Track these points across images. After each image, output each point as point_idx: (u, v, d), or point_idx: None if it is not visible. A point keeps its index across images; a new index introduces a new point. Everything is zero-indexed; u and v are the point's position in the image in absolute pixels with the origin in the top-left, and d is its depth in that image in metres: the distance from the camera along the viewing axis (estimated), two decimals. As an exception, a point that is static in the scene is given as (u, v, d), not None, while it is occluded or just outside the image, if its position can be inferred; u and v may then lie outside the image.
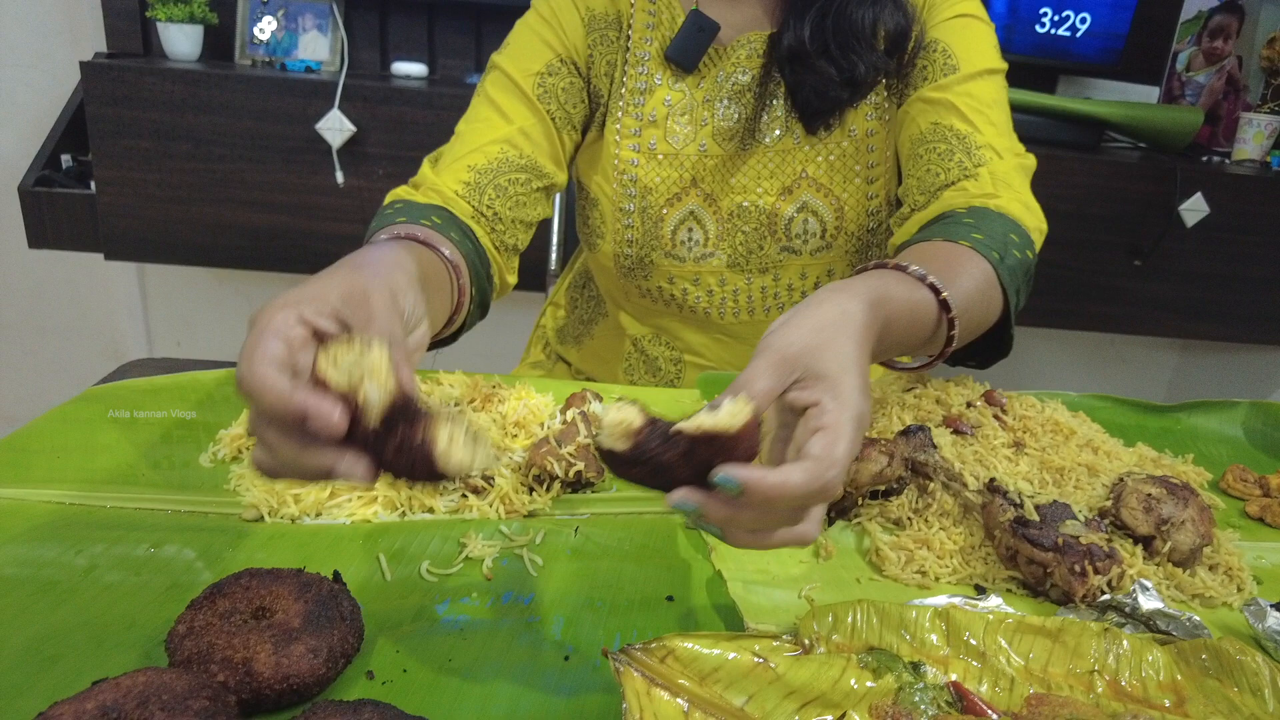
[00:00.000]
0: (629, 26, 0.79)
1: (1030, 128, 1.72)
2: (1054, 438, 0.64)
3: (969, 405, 0.65)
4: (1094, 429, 0.67)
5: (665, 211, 0.81)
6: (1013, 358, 0.69)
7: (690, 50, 0.78)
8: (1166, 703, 0.42)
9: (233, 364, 0.71)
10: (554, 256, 1.41)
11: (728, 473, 0.37)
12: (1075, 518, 0.51)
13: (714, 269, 0.83)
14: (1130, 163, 1.69)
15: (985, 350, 0.67)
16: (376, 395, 0.34)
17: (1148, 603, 0.47)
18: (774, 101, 0.79)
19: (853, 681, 0.39)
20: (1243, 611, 0.50)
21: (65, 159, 1.59)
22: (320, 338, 0.37)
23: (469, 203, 0.73)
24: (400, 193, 0.73)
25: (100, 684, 0.34)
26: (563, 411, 0.61)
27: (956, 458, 0.59)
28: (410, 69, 1.65)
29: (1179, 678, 0.43)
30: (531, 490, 0.54)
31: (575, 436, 0.56)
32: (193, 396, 0.64)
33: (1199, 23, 1.97)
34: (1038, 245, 0.70)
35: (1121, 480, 0.57)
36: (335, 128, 1.44)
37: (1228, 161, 1.88)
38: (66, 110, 1.63)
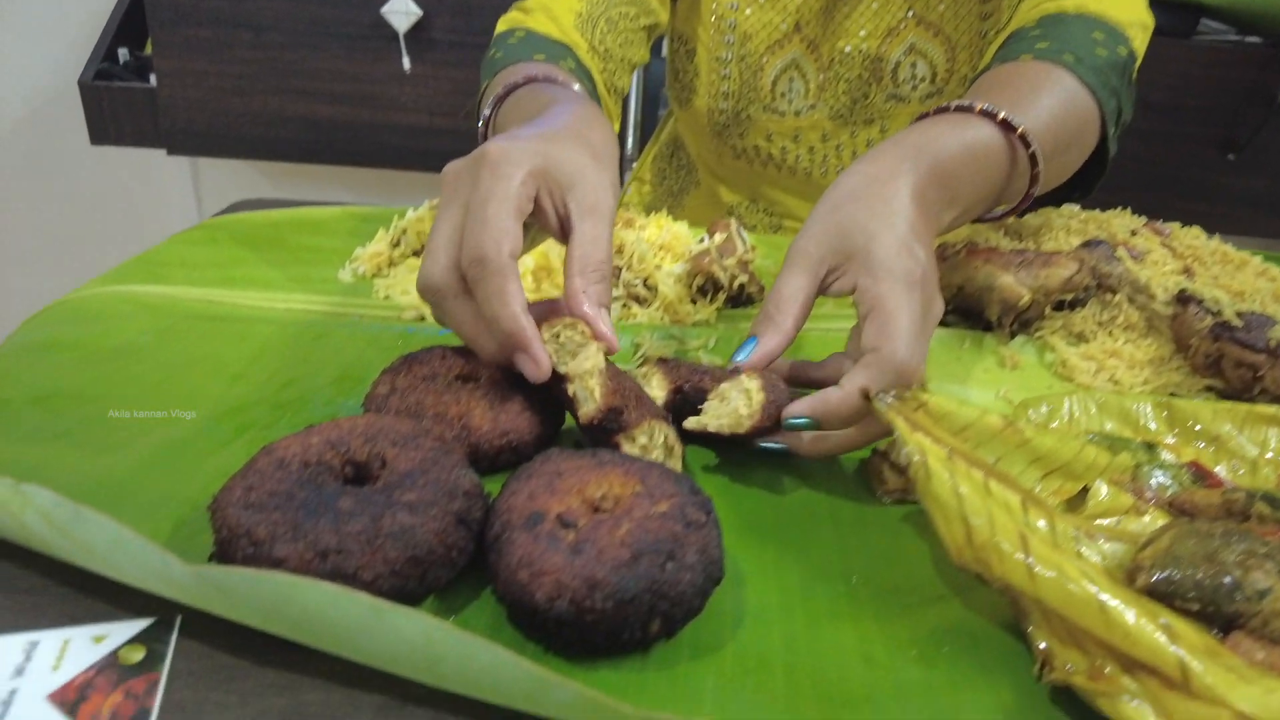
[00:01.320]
0: None
1: (1120, 13, 1.63)
2: (1225, 266, 0.59)
3: (1133, 233, 0.61)
4: (1265, 265, 0.63)
5: (765, 60, 0.75)
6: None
7: None
8: None
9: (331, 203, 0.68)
10: (630, 140, 1.36)
11: (794, 411, 0.34)
12: (1277, 324, 0.47)
13: (815, 123, 0.78)
14: (1227, 50, 1.59)
15: (1083, 174, 0.61)
16: (586, 401, 0.33)
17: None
18: None
19: (1094, 456, 0.36)
20: None
21: (122, 53, 1.55)
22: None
23: (583, 36, 0.68)
24: (516, 18, 0.68)
25: (317, 425, 0.31)
26: (710, 235, 0.57)
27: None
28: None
29: None
30: (694, 301, 0.51)
31: (734, 250, 0.53)
32: (309, 226, 0.62)
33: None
34: (1137, 41, 0.61)
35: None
36: (401, 11, 1.38)
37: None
38: (121, 2, 1.58)
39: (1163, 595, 0.29)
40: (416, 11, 1.38)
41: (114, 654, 0.24)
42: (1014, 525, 0.29)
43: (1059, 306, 0.52)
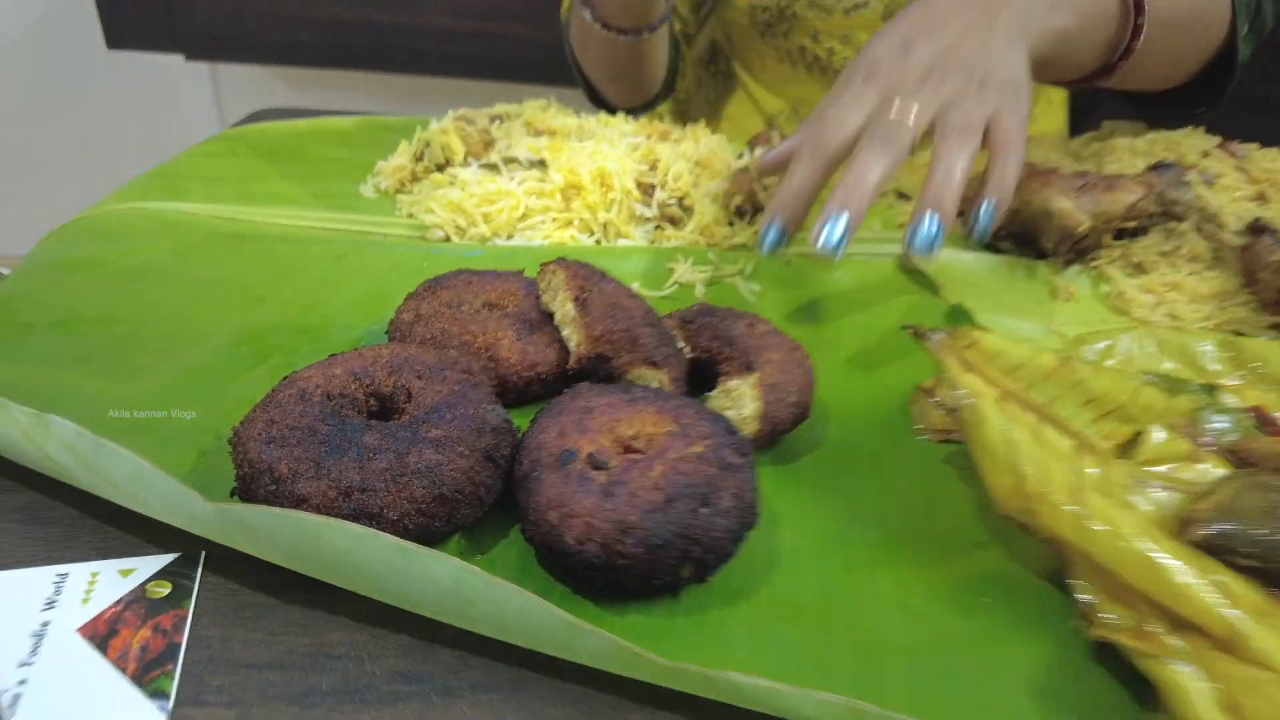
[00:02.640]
0: None
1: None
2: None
3: (1205, 155, 0.57)
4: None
5: None
6: None
7: None
8: None
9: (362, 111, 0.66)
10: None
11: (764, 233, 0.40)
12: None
13: (867, 22, 0.72)
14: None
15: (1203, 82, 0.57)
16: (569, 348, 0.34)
17: None
18: None
19: (1151, 398, 0.35)
20: None
21: (135, -50, 1.50)
22: None
23: None
24: None
25: (339, 355, 0.30)
26: (751, 149, 0.54)
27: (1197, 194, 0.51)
28: None
29: None
30: (732, 224, 0.49)
31: (773, 150, 0.50)
32: (335, 137, 0.59)
33: None
34: None
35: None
36: (420, -97, 1.31)
37: None
38: (131, -106, 1.51)
39: (1218, 550, 0.27)
40: (439, -96, 1.31)
41: (141, 588, 0.24)
42: (1065, 474, 0.27)
43: (1119, 235, 0.49)
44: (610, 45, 0.67)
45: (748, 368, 0.32)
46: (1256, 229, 0.47)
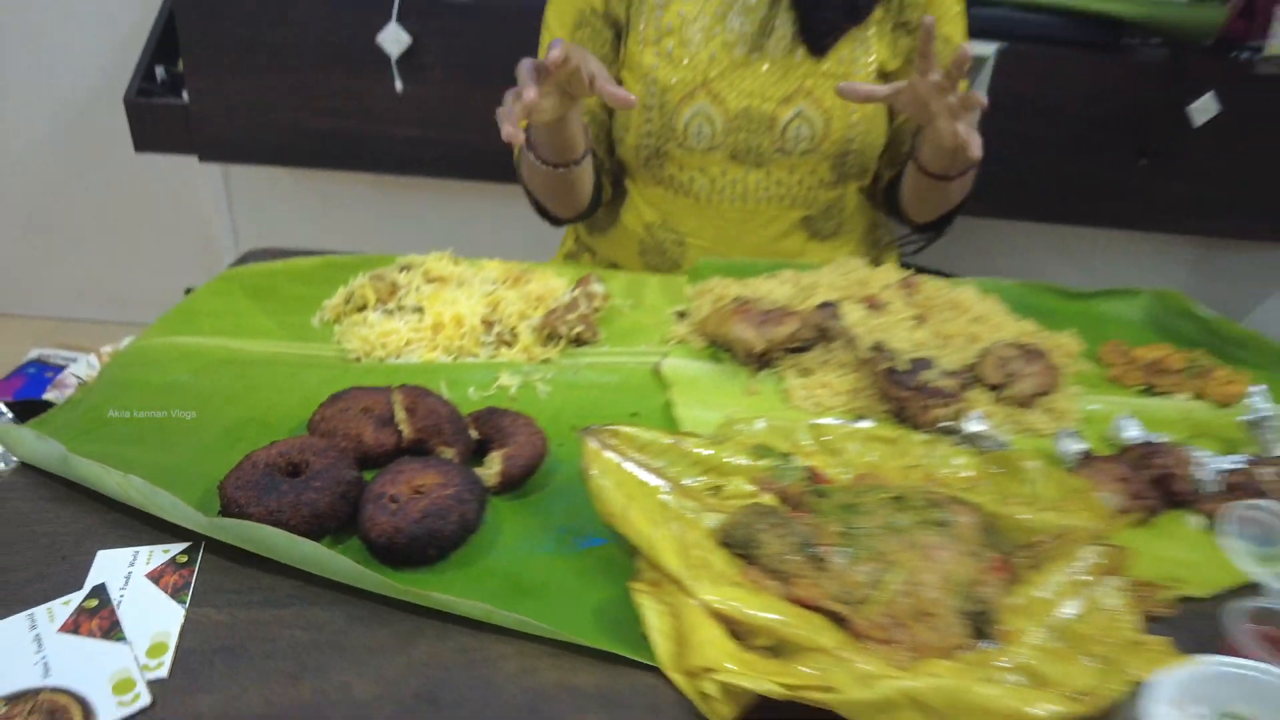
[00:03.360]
0: None
1: (1046, 28, 1.78)
2: (951, 313, 0.82)
3: (886, 287, 0.84)
4: (994, 307, 0.85)
5: (680, 107, 0.98)
6: (1024, 252, 0.90)
7: None
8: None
9: (321, 252, 0.93)
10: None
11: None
12: (932, 369, 0.71)
13: (718, 160, 1.00)
14: (1145, 61, 1.74)
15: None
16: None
17: (972, 427, 0.67)
18: (781, 23, 0.95)
19: (742, 460, 0.61)
20: (1054, 438, 0.70)
21: (159, 71, 1.80)
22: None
23: None
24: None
25: (276, 442, 0.57)
26: (573, 290, 0.82)
27: (866, 326, 0.78)
28: (458, -20, 1.79)
29: (974, 473, 0.63)
30: (547, 342, 0.76)
31: (578, 308, 0.77)
32: (299, 276, 0.87)
33: (1238, -88, 1.95)
34: None
35: (988, 346, 0.76)
36: (393, 39, 1.61)
37: (1258, 58, 1.91)
38: (157, 25, 1.82)
39: (729, 543, 0.54)
40: (406, 39, 1.61)
41: (172, 558, 0.51)
42: (652, 513, 0.54)
43: (795, 350, 0.76)
44: (548, 175, 0.94)
45: (502, 444, 0.59)
46: (875, 348, 0.74)
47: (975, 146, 0.77)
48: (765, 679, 0.44)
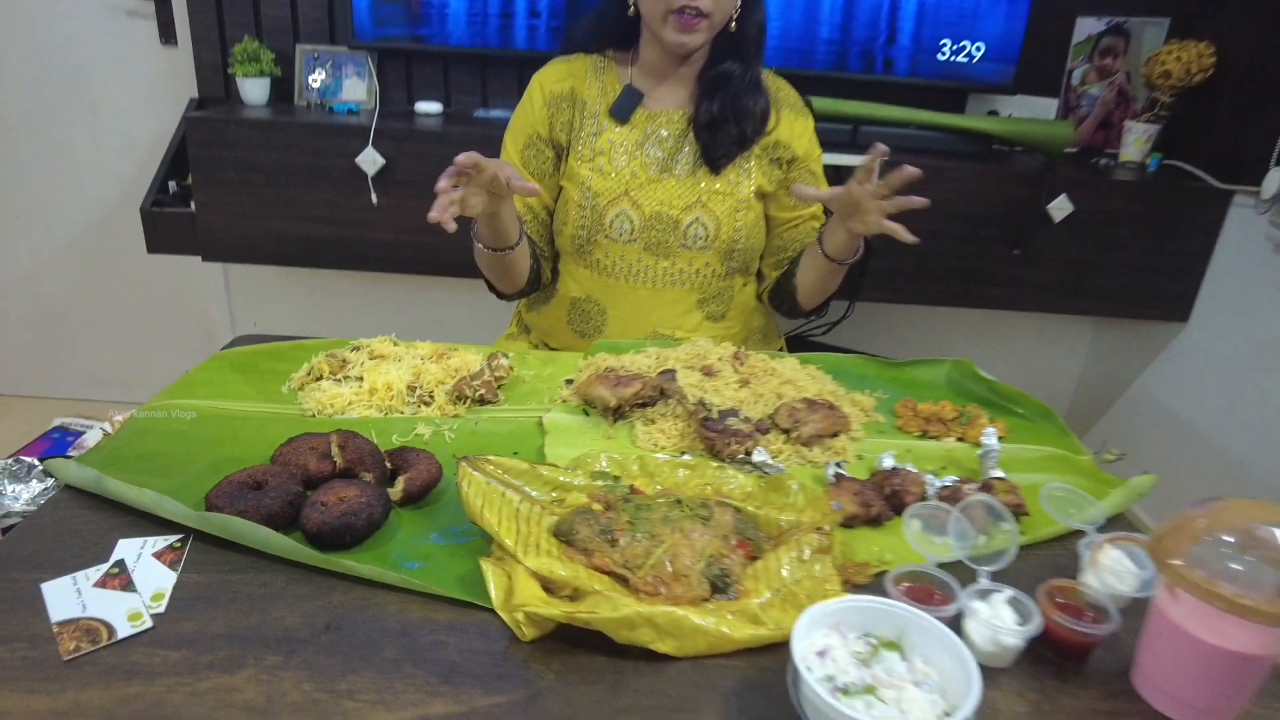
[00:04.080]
0: (584, 97, 1.28)
1: (929, 142, 2.11)
2: (768, 378, 1.08)
3: (720, 359, 1.10)
4: (805, 373, 1.11)
5: (607, 208, 1.27)
6: (933, 333, 1.17)
7: (625, 109, 1.26)
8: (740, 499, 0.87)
9: (299, 337, 1.20)
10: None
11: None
12: (736, 416, 0.96)
13: (635, 251, 1.29)
14: (1018, 169, 2.05)
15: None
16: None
17: (758, 458, 0.92)
18: (685, 153, 1.26)
19: (582, 480, 0.85)
20: (824, 466, 0.94)
21: (171, 185, 2.11)
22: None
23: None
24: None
25: (245, 469, 0.82)
26: (486, 362, 1.08)
27: (701, 388, 1.04)
28: (430, 107, 2.13)
29: (751, 489, 0.87)
30: (456, 402, 1.01)
31: (483, 376, 1.03)
32: (276, 355, 1.13)
33: (1090, 44, 2.31)
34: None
35: (784, 401, 1.01)
36: (369, 160, 1.92)
37: (1114, 164, 2.23)
38: (171, 146, 2.14)
39: (558, 534, 0.77)
40: (381, 160, 1.92)
41: (170, 544, 0.74)
42: (501, 511, 0.77)
43: (643, 404, 1.01)
44: (490, 257, 1.22)
45: (407, 471, 0.84)
46: (698, 403, 0.99)
47: (906, 235, 1.07)
48: (553, 609, 0.67)
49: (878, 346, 2.39)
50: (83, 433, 1.37)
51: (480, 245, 1.20)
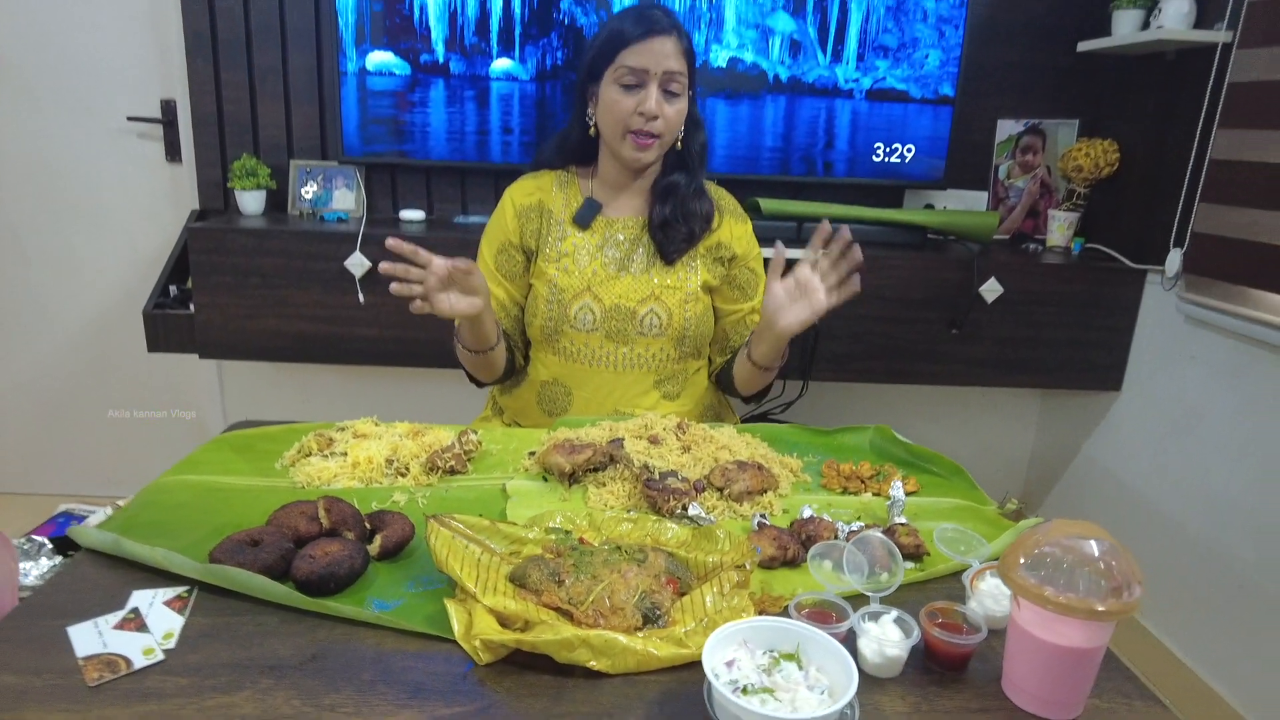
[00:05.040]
0: (550, 207, 1.47)
1: (869, 234, 2.32)
2: (707, 445, 1.22)
3: (664, 429, 1.24)
4: (742, 440, 1.25)
5: (571, 302, 1.43)
6: (887, 411, 1.36)
7: (586, 218, 1.44)
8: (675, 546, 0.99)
9: (288, 422, 1.34)
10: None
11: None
12: (675, 477, 1.10)
13: (598, 339, 1.45)
14: (948, 256, 2.25)
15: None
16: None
17: (693, 512, 1.05)
18: (640, 253, 1.43)
19: (534, 534, 0.98)
20: (751, 518, 1.08)
21: (172, 289, 2.28)
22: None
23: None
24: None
25: (245, 530, 0.94)
26: (457, 437, 1.21)
27: (647, 454, 1.18)
28: (413, 214, 2.33)
29: (685, 539, 1.00)
30: (430, 473, 1.15)
31: (454, 449, 1.17)
32: (270, 438, 1.26)
33: (1012, 142, 2.57)
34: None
35: (718, 464, 1.15)
36: (357, 263, 2.10)
37: (1042, 248, 2.45)
38: (173, 253, 2.32)
39: (513, 579, 0.90)
40: (367, 263, 2.10)
41: (179, 594, 0.86)
42: (464, 560, 0.90)
43: (594, 470, 1.15)
44: (472, 357, 1.39)
45: (383, 530, 0.97)
46: (643, 467, 1.13)
47: (854, 285, 1.26)
48: (505, 636, 0.80)
49: (833, 424, 2.54)
50: (85, 517, 1.48)
51: (462, 347, 1.37)
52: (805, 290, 1.28)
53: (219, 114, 2.32)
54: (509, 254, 1.48)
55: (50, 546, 1.32)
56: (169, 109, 2.39)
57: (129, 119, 2.39)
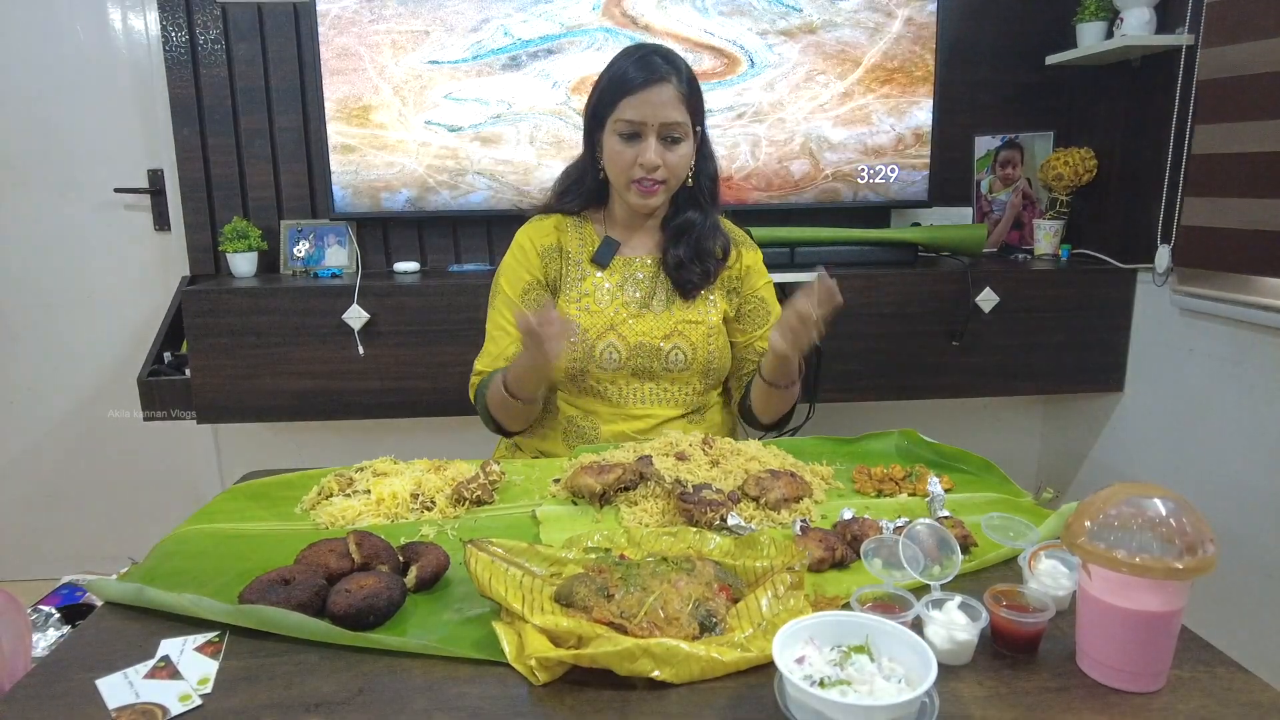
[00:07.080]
0: (568, 248, 1.46)
1: (862, 255, 2.34)
2: (735, 457, 1.20)
3: (690, 444, 1.22)
4: (769, 451, 1.23)
5: (595, 341, 1.42)
6: (896, 424, 1.38)
7: (605, 257, 1.43)
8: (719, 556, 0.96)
9: (299, 468, 1.30)
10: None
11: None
12: (709, 489, 1.07)
13: (624, 375, 1.43)
14: (940, 270, 2.27)
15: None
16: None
17: (732, 522, 1.03)
18: (659, 291, 1.44)
19: (574, 555, 0.95)
20: (792, 524, 1.05)
21: (166, 355, 2.24)
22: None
23: None
24: (482, 371, 1.43)
25: (275, 569, 0.90)
26: (480, 468, 1.19)
27: (675, 469, 1.15)
28: (407, 266, 2.32)
29: (728, 549, 0.98)
30: (456, 505, 1.11)
31: (479, 480, 1.14)
32: (286, 484, 1.23)
33: (990, 157, 2.62)
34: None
35: (750, 473, 1.13)
36: (355, 316, 2.08)
37: (1030, 257, 2.48)
38: (165, 320, 2.29)
39: (558, 598, 0.86)
40: (365, 315, 2.08)
41: (210, 639, 0.82)
42: (506, 583, 0.87)
43: (622, 490, 1.12)
44: (514, 405, 1.36)
45: (418, 562, 0.93)
46: (676, 481, 1.10)
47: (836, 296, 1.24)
48: (562, 652, 0.76)
49: (843, 444, 2.52)
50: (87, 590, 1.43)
51: (506, 394, 1.35)
52: (803, 324, 1.28)
53: (207, 179, 2.32)
54: (536, 293, 1.46)
55: (58, 616, 1.26)
56: (156, 178, 2.39)
57: (116, 190, 2.38)
